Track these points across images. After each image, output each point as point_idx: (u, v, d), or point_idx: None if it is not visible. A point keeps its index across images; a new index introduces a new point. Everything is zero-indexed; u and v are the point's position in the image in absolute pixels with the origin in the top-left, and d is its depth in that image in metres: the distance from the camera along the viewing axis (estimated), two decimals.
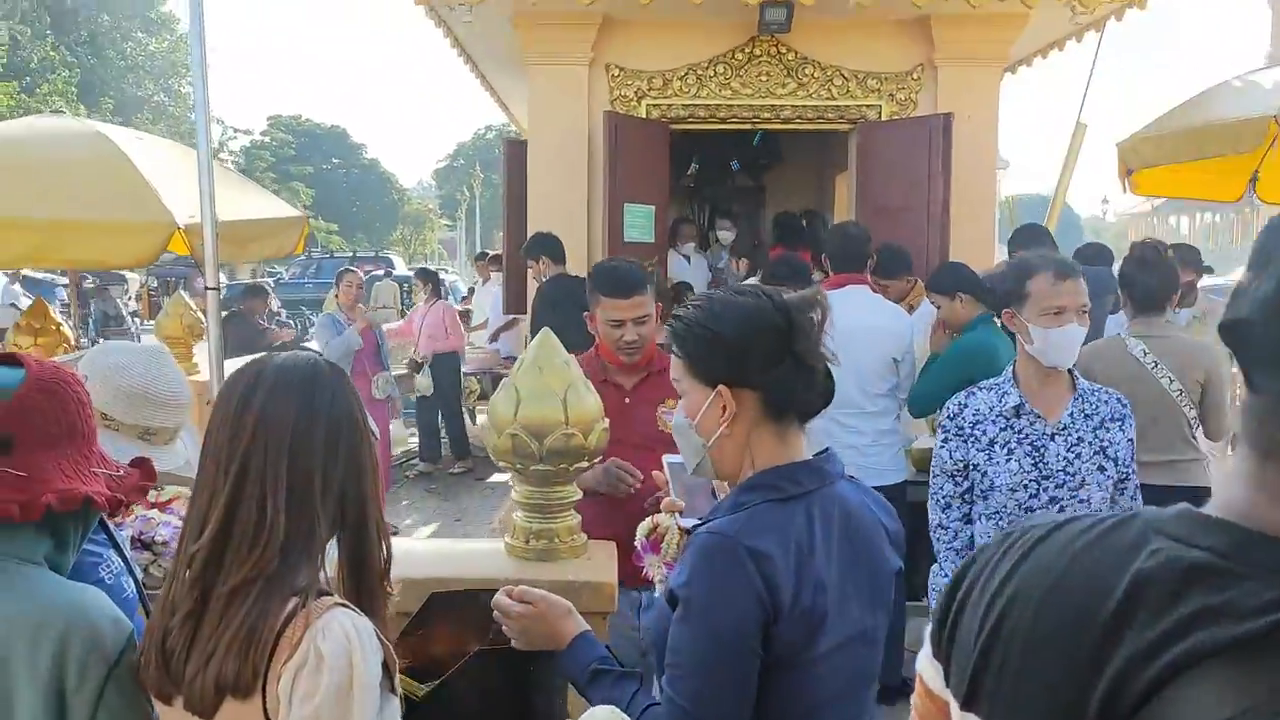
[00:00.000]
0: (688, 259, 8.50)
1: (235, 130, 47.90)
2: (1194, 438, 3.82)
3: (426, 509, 7.91)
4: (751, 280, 6.24)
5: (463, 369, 9.49)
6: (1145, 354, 3.79)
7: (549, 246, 6.25)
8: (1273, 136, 4.82)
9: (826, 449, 1.68)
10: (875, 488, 4.12)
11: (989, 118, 6.83)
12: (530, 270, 6.43)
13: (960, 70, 6.80)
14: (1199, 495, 0.77)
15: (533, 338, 7.01)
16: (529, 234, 6.96)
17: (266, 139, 49.59)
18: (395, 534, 7.25)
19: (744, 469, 1.64)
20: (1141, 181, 5.90)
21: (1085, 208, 68.16)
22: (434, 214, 60.71)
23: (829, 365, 1.66)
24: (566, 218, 6.84)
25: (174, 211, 4.47)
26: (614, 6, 6.43)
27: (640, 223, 6.66)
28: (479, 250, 14.60)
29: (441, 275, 23.66)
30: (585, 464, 2.54)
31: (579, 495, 2.59)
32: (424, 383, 8.76)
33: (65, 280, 14.33)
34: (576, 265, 6.82)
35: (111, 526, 1.70)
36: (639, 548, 1.80)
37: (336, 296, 7.35)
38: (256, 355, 1.51)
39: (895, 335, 4.26)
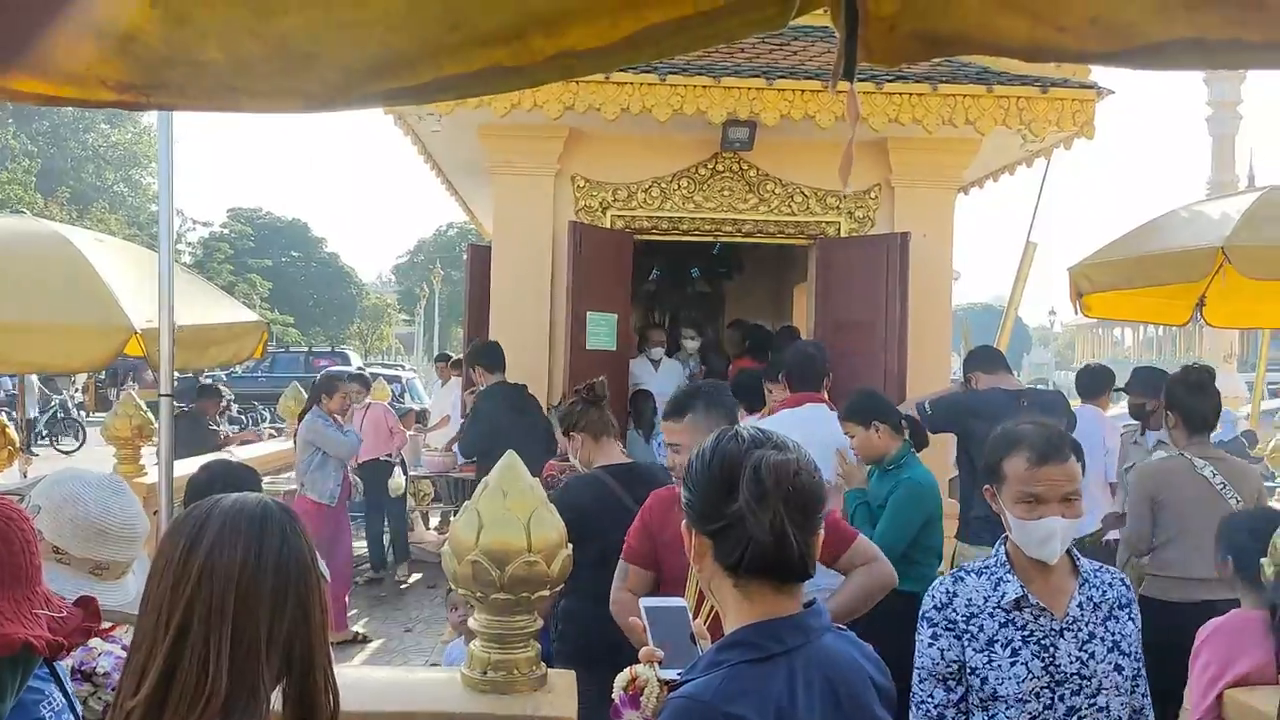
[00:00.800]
0: (655, 364, 8.51)
1: (194, 222, 47.90)
2: None
3: (375, 618, 7.69)
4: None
5: (410, 471, 9.38)
6: (1214, 475, 3.90)
7: (485, 355, 6.43)
8: (1219, 265, 4.98)
9: (813, 599, 1.59)
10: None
11: (944, 237, 7.00)
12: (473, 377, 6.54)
13: (916, 191, 6.99)
14: None
15: (463, 445, 6.90)
16: (490, 337, 6.97)
17: (225, 230, 49.59)
18: (360, 640, 6.92)
19: (729, 625, 1.56)
20: (1093, 304, 6.04)
21: (1034, 318, 69.79)
22: (392, 309, 60.67)
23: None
24: (529, 324, 6.86)
25: (131, 315, 4.40)
26: (581, 121, 6.55)
27: (602, 331, 6.68)
28: (437, 348, 14.57)
29: (399, 372, 23.43)
30: (546, 592, 2.48)
31: (539, 625, 2.52)
32: (396, 484, 8.67)
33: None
34: (538, 372, 6.84)
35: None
36: (617, 701, 1.73)
37: (321, 401, 7.22)
38: (209, 497, 1.45)
39: (843, 452, 4.26)
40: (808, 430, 4.20)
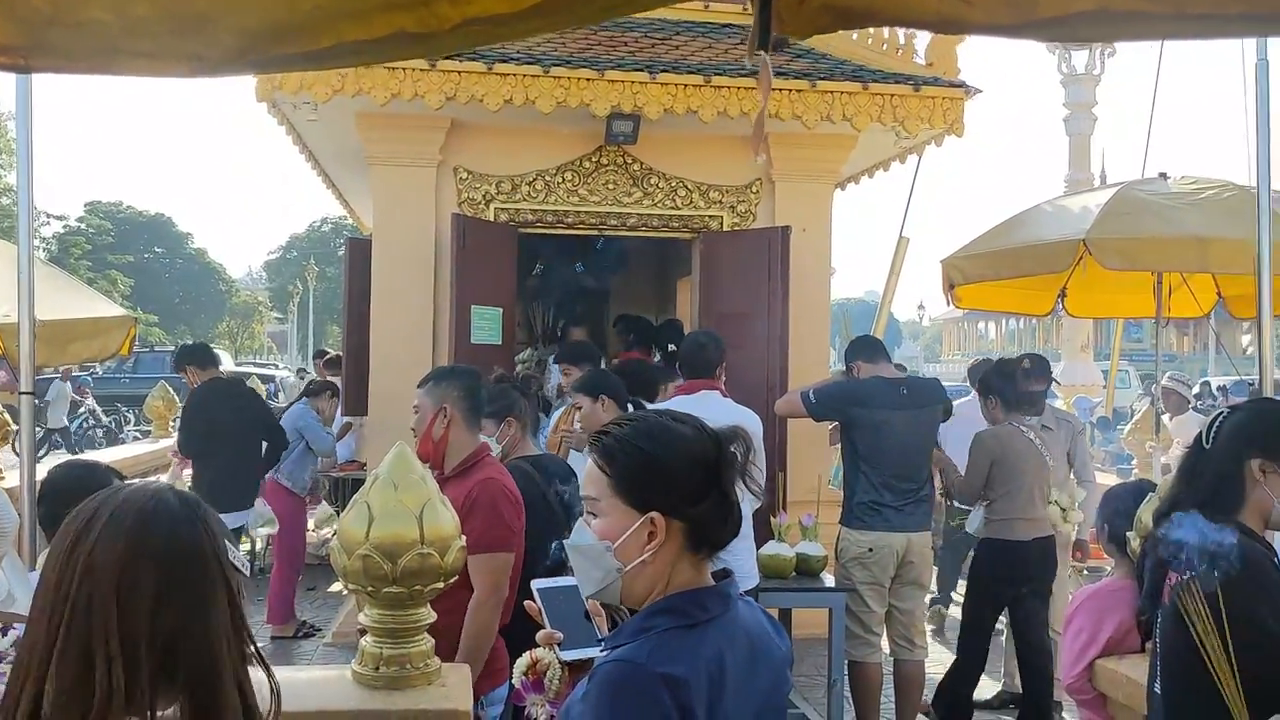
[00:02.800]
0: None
1: (48, 216, 45.46)
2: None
3: (255, 622, 7.42)
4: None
5: None
6: (1035, 438, 5.16)
7: (193, 355, 6.89)
8: (1080, 256, 5.23)
9: (727, 570, 1.65)
10: None
11: (823, 231, 7.16)
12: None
13: (796, 185, 7.13)
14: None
15: (181, 444, 6.99)
16: (371, 334, 6.83)
17: (82, 225, 47.22)
18: (307, 633, 6.69)
19: (652, 595, 1.60)
20: (964, 295, 6.28)
21: (904, 313, 72.09)
22: (264, 306, 58.86)
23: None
24: (411, 319, 6.74)
25: None
26: (463, 112, 6.46)
27: (487, 325, 6.61)
28: (312, 346, 14.14)
29: (272, 371, 22.77)
30: (440, 585, 2.44)
31: (433, 618, 2.48)
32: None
33: None
34: (422, 367, 6.69)
35: None
36: (519, 687, 1.71)
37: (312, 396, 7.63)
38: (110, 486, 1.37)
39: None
40: (707, 415, 4.25)
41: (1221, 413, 2.31)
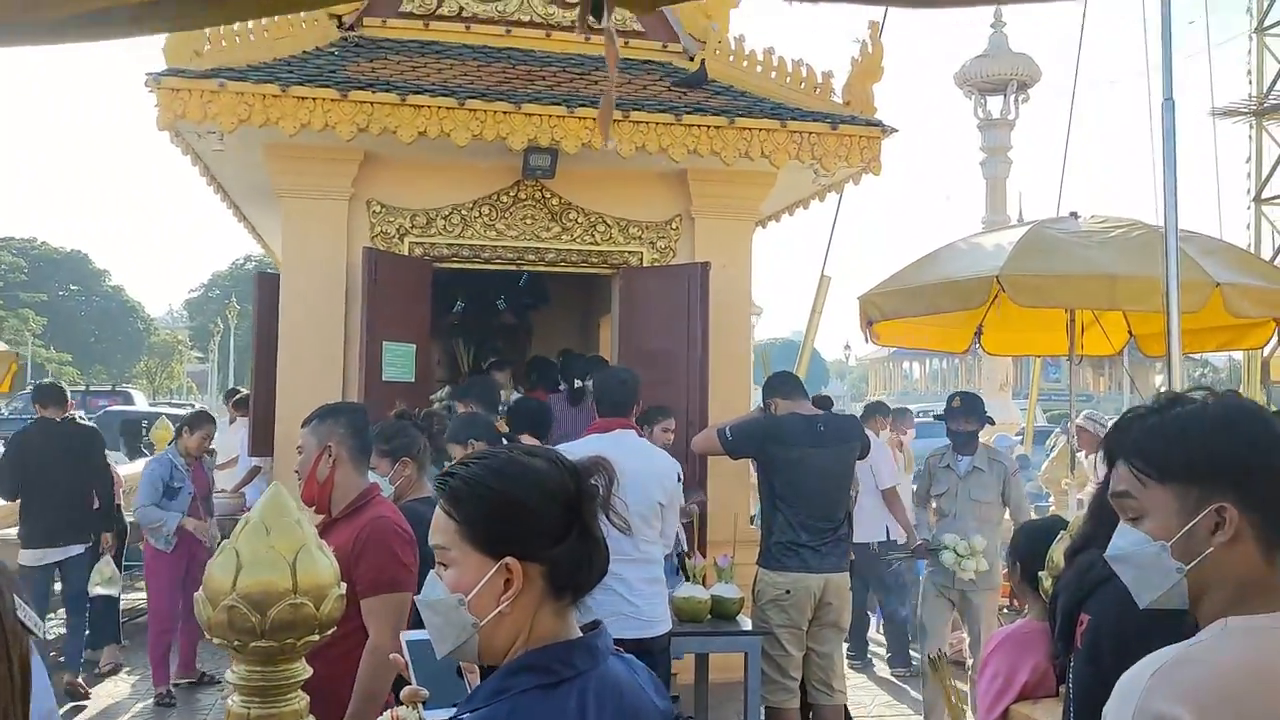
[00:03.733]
0: None
1: None
2: None
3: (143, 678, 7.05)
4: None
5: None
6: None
7: (41, 394, 6.90)
8: (995, 294, 5.25)
9: (597, 622, 1.51)
10: (643, 640, 4.03)
11: (743, 267, 7.13)
12: None
13: (716, 222, 7.10)
14: None
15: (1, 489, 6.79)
16: (279, 372, 6.59)
17: None
18: (207, 680, 6.26)
19: (513, 650, 1.45)
20: (881, 332, 6.27)
21: (830, 353, 73.01)
22: (184, 345, 57.51)
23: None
24: (321, 355, 6.52)
25: None
26: (376, 144, 6.32)
27: (399, 361, 6.42)
28: (237, 386, 13.69)
29: (187, 410, 22.10)
30: (316, 637, 2.26)
31: (307, 674, 2.29)
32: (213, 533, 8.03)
33: None
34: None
35: None
36: None
37: (181, 436, 6.83)
38: None
39: (661, 479, 4.20)
40: (614, 456, 4.12)
41: None
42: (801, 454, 4.66)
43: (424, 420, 3.38)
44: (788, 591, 4.63)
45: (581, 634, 1.47)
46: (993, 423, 6.52)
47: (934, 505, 5.95)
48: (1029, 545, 2.89)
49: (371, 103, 6.03)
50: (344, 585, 2.33)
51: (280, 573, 2.19)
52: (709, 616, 4.65)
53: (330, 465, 3.03)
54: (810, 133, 6.56)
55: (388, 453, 3.35)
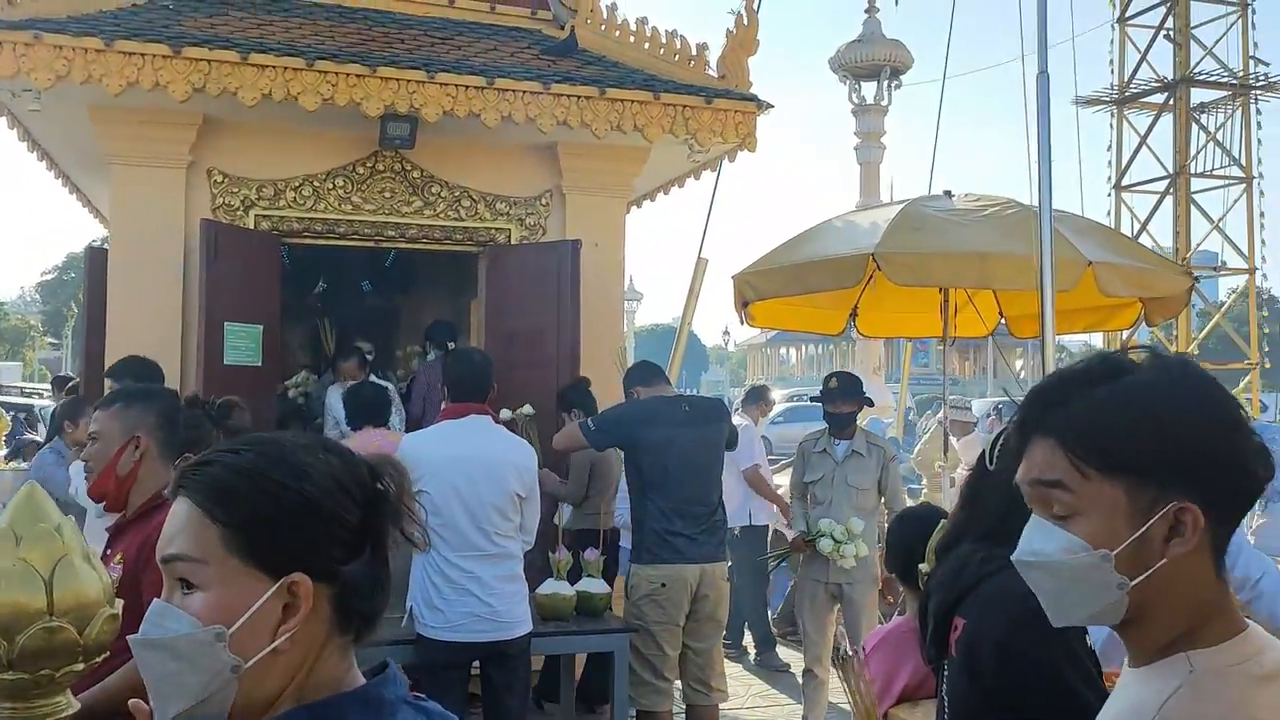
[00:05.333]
0: None
1: None
2: None
3: None
4: None
5: None
6: None
7: None
8: (870, 272, 5.10)
9: (385, 665, 1.20)
10: (500, 642, 3.72)
11: (616, 246, 6.85)
12: None
13: (588, 198, 6.80)
14: None
15: None
16: (107, 356, 6.01)
17: None
18: None
19: (278, 705, 1.12)
20: (757, 314, 6.10)
21: (710, 338, 73.74)
22: (36, 330, 54.47)
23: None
24: (155, 336, 5.94)
25: None
26: (216, 107, 5.80)
27: (244, 344, 5.93)
28: (61, 373, 12.76)
29: (34, 400, 20.70)
30: (80, 666, 1.88)
31: (74, 708, 1.92)
32: None
33: None
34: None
35: None
36: None
37: (65, 430, 5.87)
38: None
39: (519, 469, 3.90)
40: (466, 443, 3.80)
41: (1004, 430, 2.03)
42: (668, 435, 4.41)
43: (219, 409, 2.98)
44: (663, 585, 4.36)
45: (366, 681, 1.16)
46: (871, 404, 6.32)
47: (809, 493, 5.67)
48: (904, 535, 2.69)
49: (209, 60, 5.51)
50: (120, 603, 1.96)
51: (33, 590, 1.80)
52: (574, 614, 4.37)
53: (136, 458, 2.63)
54: (684, 106, 6.31)
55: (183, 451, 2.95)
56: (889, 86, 15.23)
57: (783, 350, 67.03)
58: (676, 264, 29.68)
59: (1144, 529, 1.07)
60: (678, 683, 4.57)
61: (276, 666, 1.10)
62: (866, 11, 15.42)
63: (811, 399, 6.60)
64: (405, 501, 1.17)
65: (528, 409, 5.35)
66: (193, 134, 6.06)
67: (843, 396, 5.45)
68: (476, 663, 3.83)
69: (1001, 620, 1.75)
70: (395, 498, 1.17)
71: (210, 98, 5.57)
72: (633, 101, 6.21)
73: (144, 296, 5.97)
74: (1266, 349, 16.33)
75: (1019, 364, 34.10)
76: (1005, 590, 1.80)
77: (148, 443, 2.66)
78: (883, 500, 5.50)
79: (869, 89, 15.38)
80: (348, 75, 5.72)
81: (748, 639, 7.35)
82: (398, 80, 5.78)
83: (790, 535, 5.97)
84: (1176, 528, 1.06)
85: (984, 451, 1.99)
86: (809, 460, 5.61)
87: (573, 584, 4.38)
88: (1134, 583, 1.07)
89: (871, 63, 15.16)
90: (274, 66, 5.59)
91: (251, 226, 6.21)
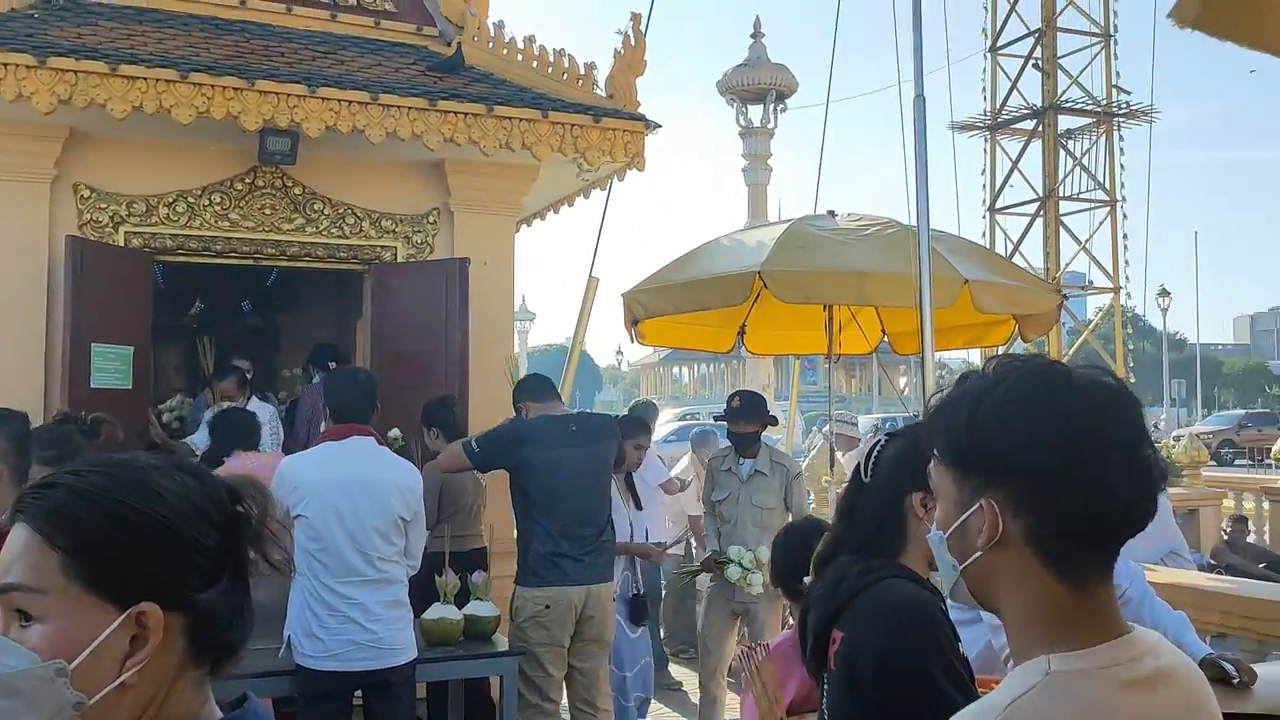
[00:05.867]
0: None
1: None
2: None
3: None
4: None
5: None
6: None
7: None
8: (757, 290, 5.17)
9: (244, 698, 1.14)
10: (383, 670, 3.61)
11: (505, 264, 6.80)
12: None
13: (476, 216, 6.73)
14: None
15: None
16: None
17: None
18: None
19: None
20: (647, 332, 6.12)
21: (603, 358, 73.86)
22: None
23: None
24: (17, 359, 5.66)
25: None
26: (84, 119, 5.56)
27: (112, 366, 5.68)
28: None
29: None
30: None
31: None
32: None
33: None
34: (32, 416, 5.64)
35: None
36: None
37: None
38: None
39: (403, 491, 3.80)
40: (347, 465, 3.70)
41: (878, 442, 2.06)
42: (555, 456, 4.36)
43: (90, 425, 2.84)
44: (547, 607, 4.30)
45: (223, 715, 1.10)
46: (775, 423, 6.32)
47: (717, 511, 5.66)
48: (788, 549, 2.72)
49: (75, 71, 5.28)
50: None
51: None
52: (462, 638, 4.27)
53: None
54: (573, 124, 6.30)
55: (49, 461, 2.80)
56: (775, 110, 15.55)
57: (675, 369, 67.57)
58: (570, 284, 29.67)
59: (962, 518, 1.15)
60: (564, 703, 4.53)
61: (124, 702, 1.03)
62: (752, 36, 15.72)
63: (715, 418, 6.62)
64: (268, 525, 1.12)
65: (395, 432, 5.20)
66: (58, 147, 5.80)
67: (745, 416, 5.45)
68: (359, 692, 3.72)
69: (879, 632, 1.77)
70: (257, 520, 1.11)
71: (77, 109, 5.33)
72: (521, 120, 6.17)
73: (4, 316, 5.66)
74: (1132, 364, 17.11)
75: (903, 380, 35.09)
76: (881, 602, 1.82)
77: (0, 468, 2.52)
78: (790, 518, 5.53)
79: (755, 112, 15.67)
80: (224, 88, 5.54)
81: None
82: (277, 94, 5.63)
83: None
84: (988, 524, 1.12)
85: (859, 464, 2.01)
86: (716, 479, 5.61)
87: (460, 607, 4.29)
88: (962, 566, 1.17)
89: (757, 86, 15.45)
90: (145, 78, 5.37)
91: (122, 244, 5.95)
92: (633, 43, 6.78)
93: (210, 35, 6.08)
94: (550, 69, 6.73)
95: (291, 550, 1.19)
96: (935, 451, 1.20)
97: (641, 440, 5.21)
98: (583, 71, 6.71)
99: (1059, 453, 1.09)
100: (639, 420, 5.41)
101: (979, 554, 1.14)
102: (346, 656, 3.51)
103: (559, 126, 6.28)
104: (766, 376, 15.33)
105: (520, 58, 6.77)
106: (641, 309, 5.70)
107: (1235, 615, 4.73)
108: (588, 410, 6.46)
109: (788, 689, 2.51)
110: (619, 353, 57.95)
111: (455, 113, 6.02)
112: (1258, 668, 3.11)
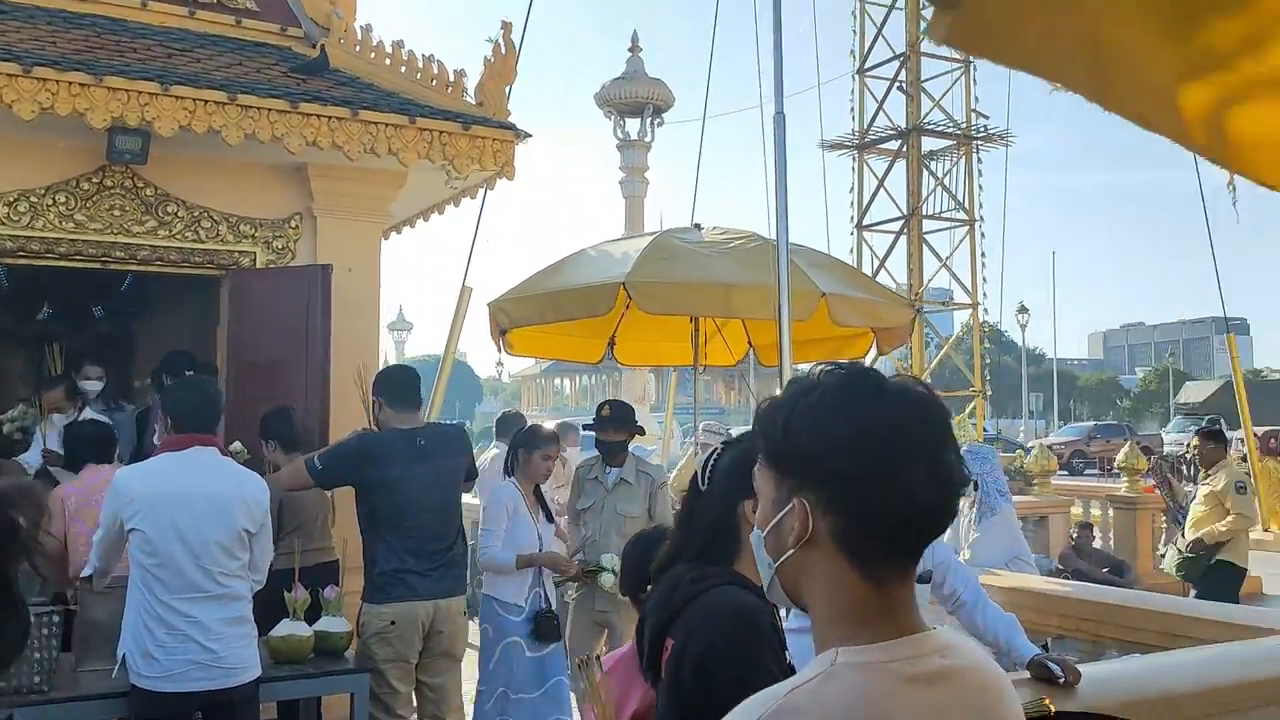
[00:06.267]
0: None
1: None
2: None
3: None
4: None
5: None
6: None
7: None
8: (624, 302, 5.20)
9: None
10: (224, 690, 3.48)
11: (370, 271, 6.67)
12: None
13: (341, 222, 6.59)
14: None
15: None
16: None
17: None
18: None
19: None
20: (515, 342, 6.09)
21: (484, 369, 73.13)
22: None
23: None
24: None
25: None
26: None
27: None
28: None
29: None
30: None
31: None
32: None
33: None
34: None
35: None
36: None
37: None
38: None
39: (248, 504, 3.67)
40: (187, 477, 3.56)
41: (715, 450, 2.08)
42: (403, 473, 4.27)
43: None
44: (392, 623, 4.21)
45: None
46: (643, 432, 6.34)
47: (581, 519, 5.64)
48: (635, 558, 2.72)
49: None
50: None
51: None
52: (313, 655, 4.15)
53: None
54: (441, 131, 6.23)
55: None
56: (652, 123, 15.72)
57: (557, 381, 67.39)
58: (448, 294, 29.32)
59: (777, 517, 1.18)
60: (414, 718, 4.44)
61: None
62: (630, 50, 15.88)
63: (584, 427, 6.60)
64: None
65: (238, 445, 5.00)
66: None
67: (613, 425, 5.45)
68: (200, 714, 3.58)
69: (703, 636, 1.79)
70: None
71: None
72: (387, 125, 6.08)
73: None
74: (989, 378, 17.81)
75: (777, 392, 35.72)
76: (710, 608, 1.84)
77: None
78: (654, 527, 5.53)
79: (633, 125, 15.82)
80: (70, 84, 5.30)
81: None
82: (127, 91, 5.42)
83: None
84: (799, 523, 1.15)
85: (695, 473, 2.03)
86: (583, 486, 5.60)
87: (311, 623, 4.17)
88: (776, 564, 1.20)
89: (635, 99, 15.59)
90: None
91: None
92: (504, 51, 6.75)
93: (59, 29, 5.81)
94: (419, 75, 6.65)
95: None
96: (759, 453, 1.23)
97: (549, 451, 5.14)
98: (452, 78, 6.65)
99: (866, 456, 1.13)
100: (539, 431, 5.32)
101: (791, 552, 1.17)
102: (185, 677, 3.37)
103: (426, 133, 6.21)
104: (642, 388, 15.44)
105: (388, 62, 6.66)
106: (507, 318, 5.66)
107: (1072, 618, 4.96)
108: (441, 421, 6.36)
109: (630, 701, 2.51)
110: (499, 364, 57.49)
111: (318, 116, 5.89)
112: (1086, 668, 3.27)
